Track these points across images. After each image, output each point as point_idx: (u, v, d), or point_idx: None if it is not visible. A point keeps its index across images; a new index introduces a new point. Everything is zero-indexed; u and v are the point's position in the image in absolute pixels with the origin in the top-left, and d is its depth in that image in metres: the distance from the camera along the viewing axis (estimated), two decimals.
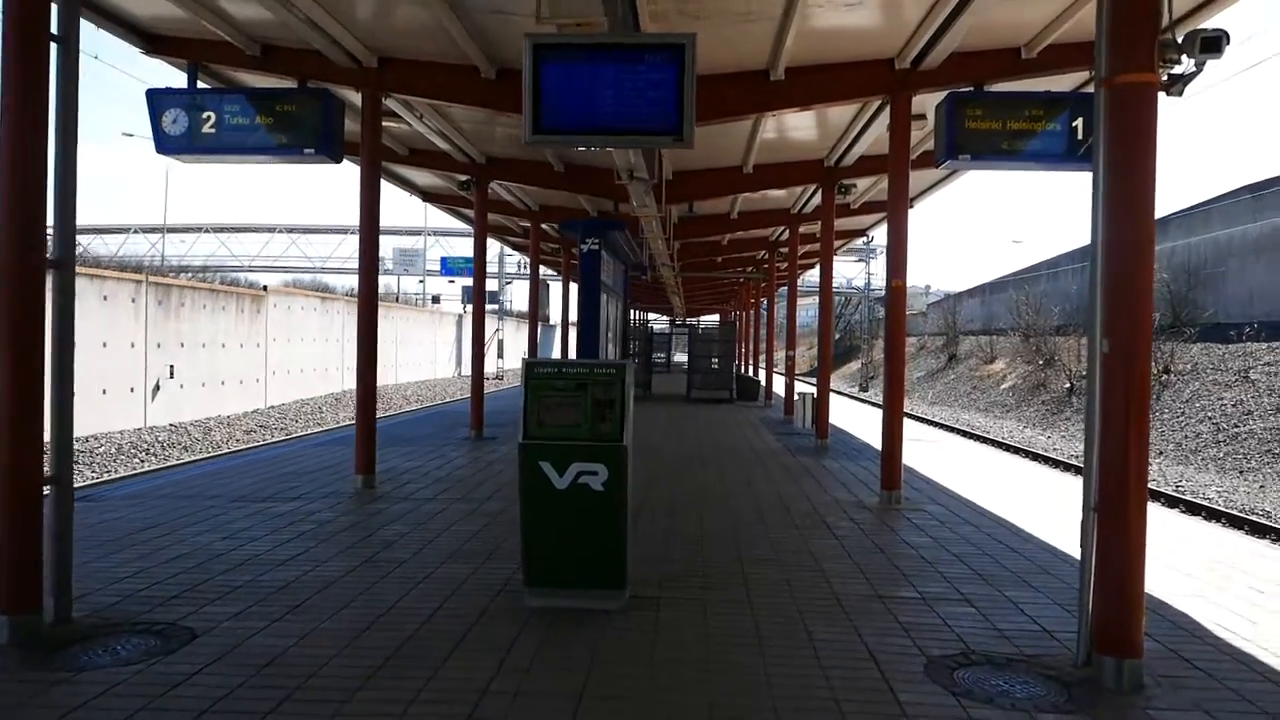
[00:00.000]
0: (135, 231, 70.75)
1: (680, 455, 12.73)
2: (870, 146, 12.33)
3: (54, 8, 4.67)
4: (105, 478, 15.26)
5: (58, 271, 4.72)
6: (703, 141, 12.78)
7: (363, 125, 9.44)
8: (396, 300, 64.43)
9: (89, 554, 6.13)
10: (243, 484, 9.57)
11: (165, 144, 8.98)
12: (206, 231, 71.31)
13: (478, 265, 14.65)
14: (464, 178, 14.04)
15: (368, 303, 9.70)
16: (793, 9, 7.10)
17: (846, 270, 65.40)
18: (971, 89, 8.64)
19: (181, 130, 9.00)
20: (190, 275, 29.21)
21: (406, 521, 7.64)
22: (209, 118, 8.98)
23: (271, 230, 69.38)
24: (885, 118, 10.35)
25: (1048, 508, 9.13)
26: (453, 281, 69.66)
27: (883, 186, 15.81)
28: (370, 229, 9.57)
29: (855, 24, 7.95)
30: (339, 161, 9.17)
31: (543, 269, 25.60)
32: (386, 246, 69.97)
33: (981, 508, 8.86)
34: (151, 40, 9.03)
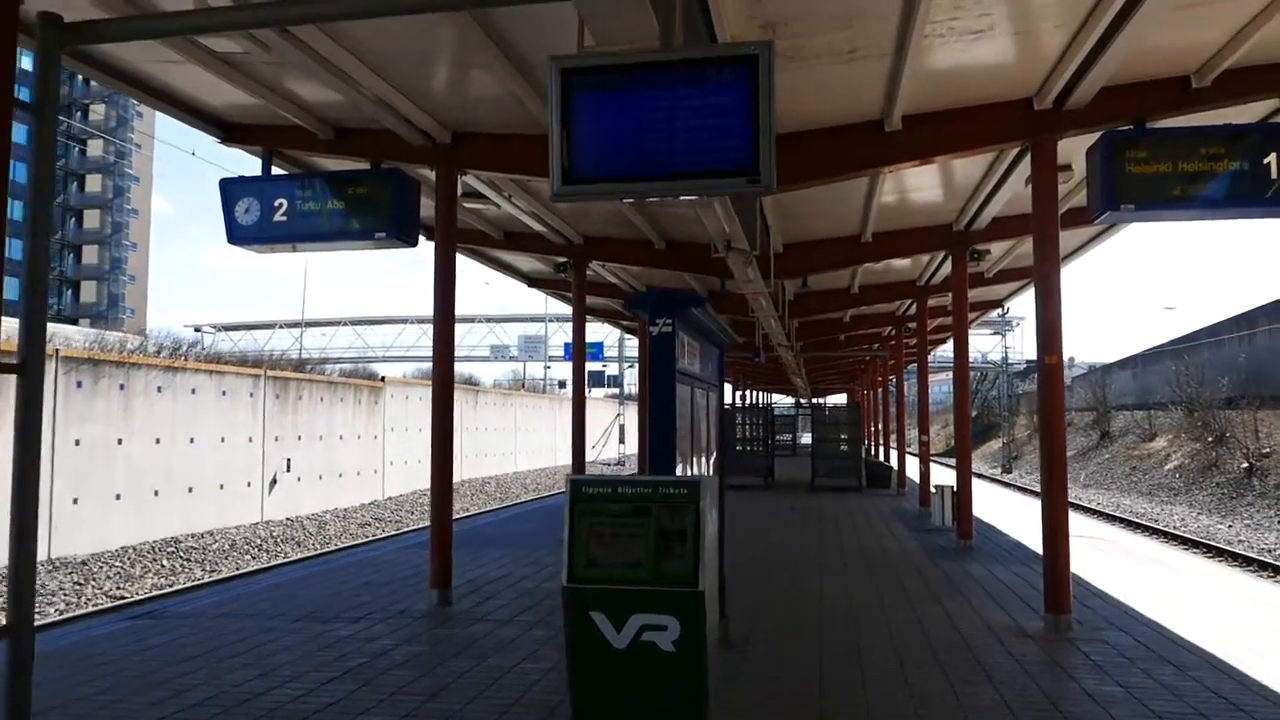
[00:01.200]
0: (280, 327, 74.55)
1: (799, 560, 11.26)
2: (1005, 206, 10.92)
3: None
4: (187, 584, 14.91)
5: (21, 378, 3.96)
6: (813, 208, 11.75)
7: (437, 204, 8.80)
8: (522, 386, 65.11)
9: (110, 694, 5.32)
10: (314, 596, 8.77)
11: (238, 234, 8.59)
12: (344, 325, 74.47)
13: (576, 351, 13.85)
14: (561, 260, 13.36)
15: (442, 389, 8.91)
16: (906, 43, 5.98)
17: (980, 344, 62.01)
18: (1130, 127, 7.26)
19: (254, 219, 8.62)
20: (311, 368, 29.71)
21: (473, 654, 6.56)
22: (280, 205, 8.58)
23: (404, 322, 71.85)
24: (1023, 169, 9.02)
25: (1264, 635, 7.26)
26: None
27: (1021, 251, 14.23)
28: (445, 312, 8.85)
29: (982, 59, 6.74)
30: (413, 244, 8.58)
31: None
32: (512, 333, 71.49)
33: (1177, 637, 7.08)
34: (227, 129, 8.73)
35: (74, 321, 66.79)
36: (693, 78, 3.22)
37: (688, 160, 3.24)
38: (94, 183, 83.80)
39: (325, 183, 8.38)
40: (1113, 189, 7.10)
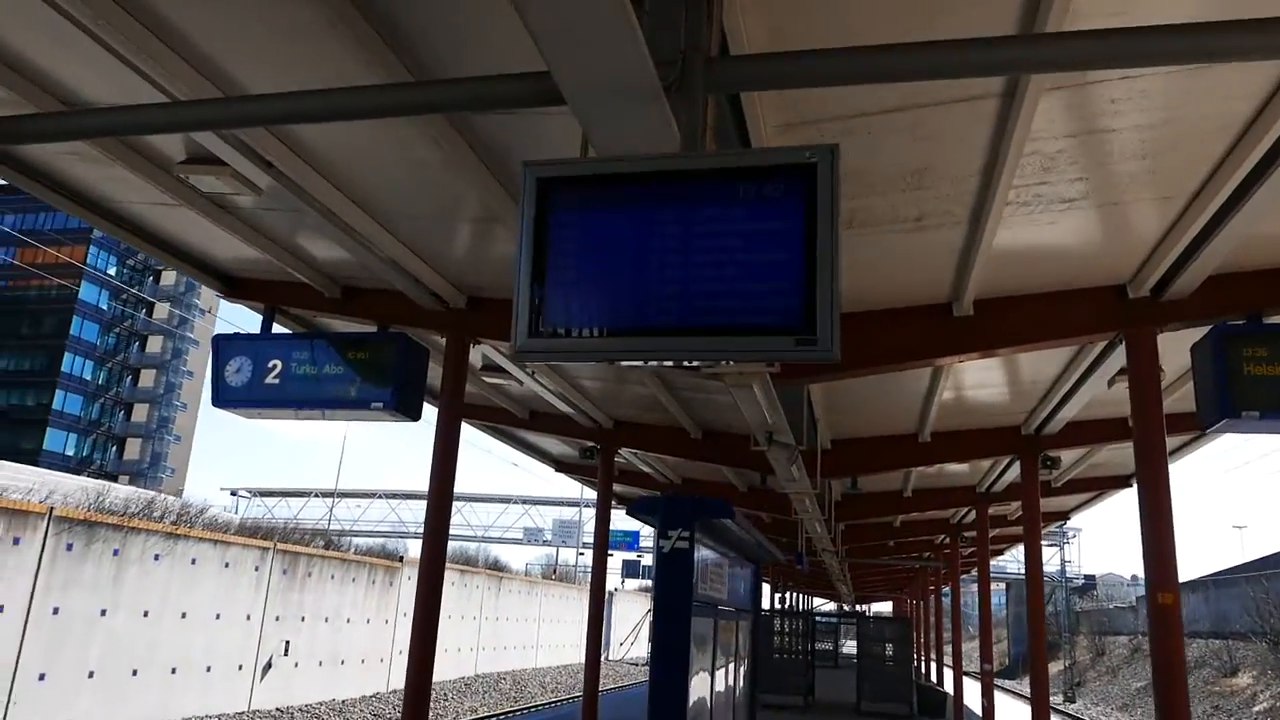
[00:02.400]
0: (315, 496, 74.00)
1: None
2: (1083, 410, 9.77)
3: None
4: None
5: None
6: (866, 402, 10.68)
7: (444, 371, 7.94)
8: (554, 572, 62.75)
9: None
10: None
11: (224, 395, 7.80)
12: (380, 497, 73.73)
13: (597, 545, 12.58)
14: (588, 444, 12.36)
15: (431, 573, 7.75)
16: (985, 209, 5.10)
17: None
18: (1243, 321, 6.23)
19: (244, 380, 7.84)
20: (332, 541, 28.49)
21: None
22: (275, 366, 7.81)
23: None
24: (1106, 368, 7.95)
25: None
26: (610, 555, 67.77)
27: (1095, 460, 12.94)
28: (442, 490, 7.80)
29: (1070, 236, 5.83)
30: (415, 417, 7.67)
31: None
32: (547, 516, 69.95)
33: None
34: (231, 283, 8.10)
35: (114, 478, 67.02)
36: (723, 193, 2.25)
37: (712, 310, 2.23)
38: (154, 344, 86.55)
39: (326, 344, 7.66)
40: (1229, 393, 6.00)
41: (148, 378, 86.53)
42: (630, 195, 2.31)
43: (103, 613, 16.03)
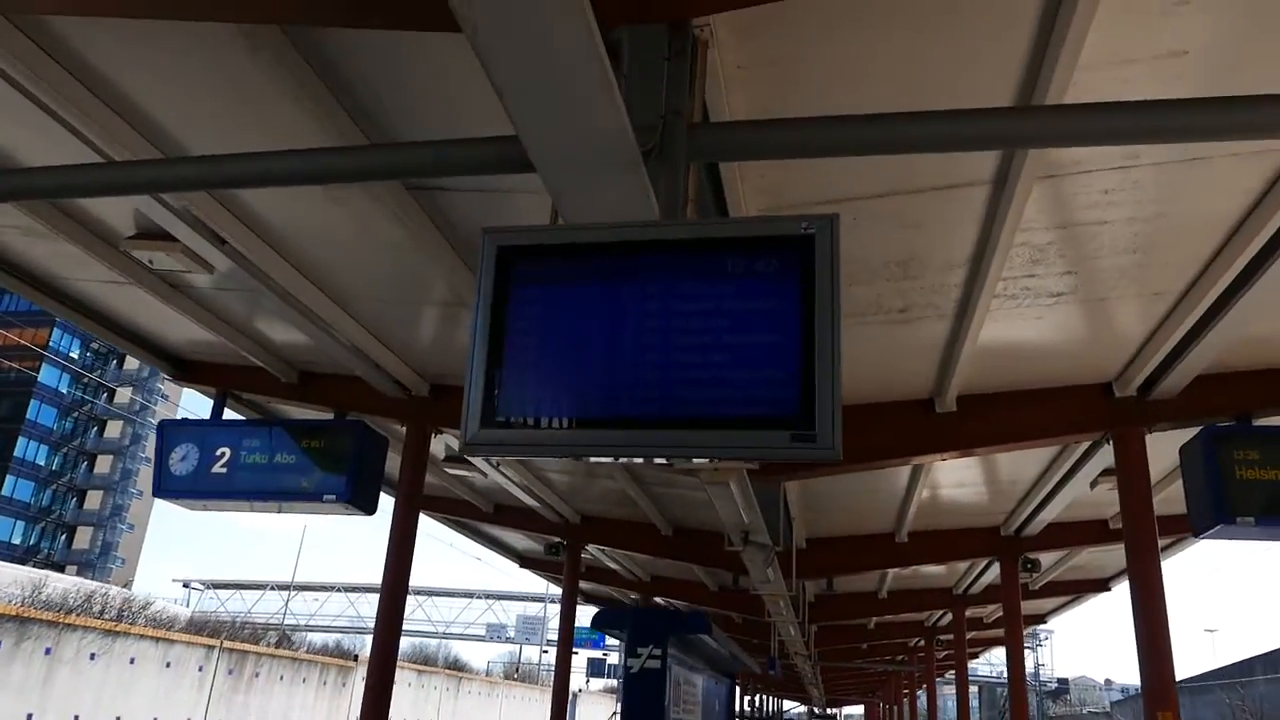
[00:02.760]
0: (271, 589, 71.50)
1: None
2: (1064, 511, 9.52)
3: None
4: None
5: None
6: (842, 500, 10.37)
7: (404, 462, 7.55)
8: (516, 672, 60.51)
9: None
10: None
11: (167, 484, 7.37)
12: (338, 590, 71.36)
13: (561, 643, 11.95)
14: (554, 540, 11.87)
15: (380, 674, 7.18)
16: (973, 302, 4.92)
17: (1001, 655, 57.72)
18: (1232, 423, 6.07)
19: (189, 468, 7.42)
20: (283, 638, 27.22)
21: None
22: (223, 454, 7.41)
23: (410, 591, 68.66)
24: (1090, 469, 7.74)
25: None
26: (576, 653, 65.61)
27: (1074, 563, 12.64)
28: (396, 585, 7.33)
29: (1055, 332, 5.65)
30: (369, 511, 7.28)
31: None
32: (511, 612, 67.79)
33: None
34: (182, 366, 7.72)
35: (61, 568, 64.44)
36: (709, 267, 1.99)
37: (694, 400, 1.93)
38: (114, 429, 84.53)
39: (280, 432, 7.29)
40: (1223, 497, 5.79)
41: (104, 464, 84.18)
42: (603, 268, 2.04)
43: (28, 718, 14.93)
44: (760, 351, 1.90)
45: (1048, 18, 3.05)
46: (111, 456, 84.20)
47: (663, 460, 2.00)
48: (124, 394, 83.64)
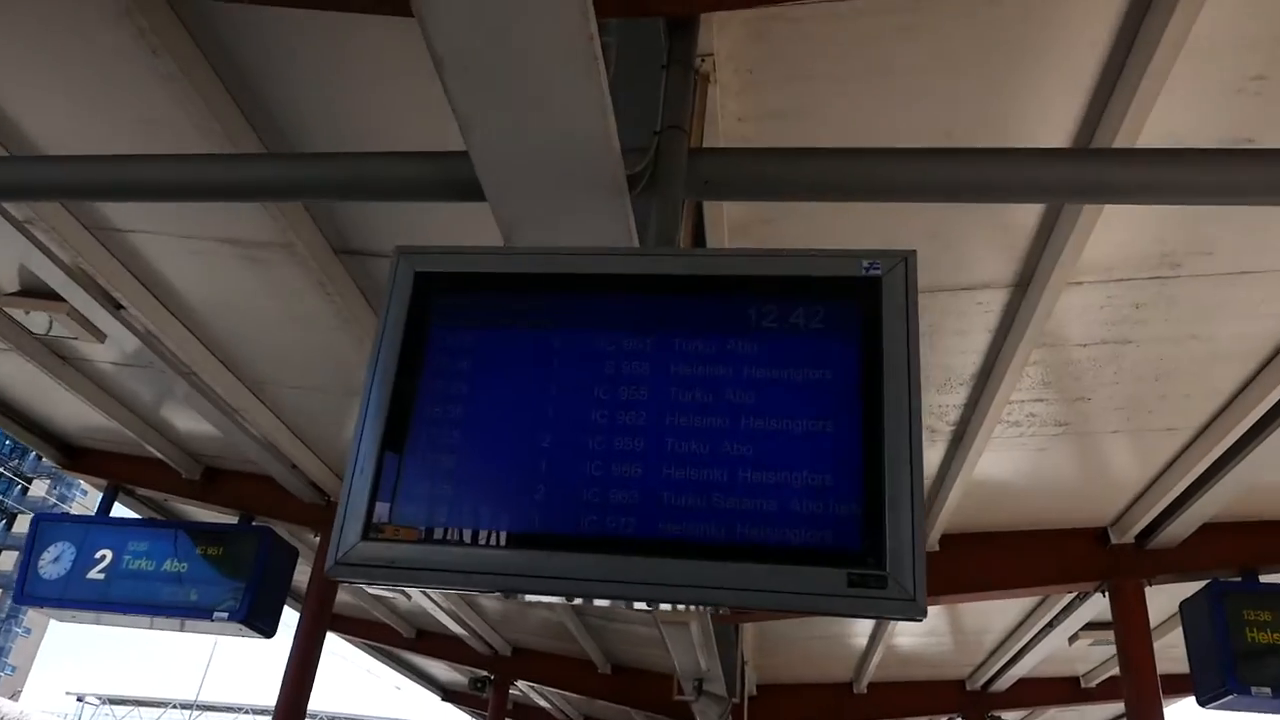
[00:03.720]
0: (174, 707, 66.67)
1: None
2: (1037, 666, 8.81)
3: None
4: None
5: None
6: (800, 644, 9.57)
7: (313, 576, 6.65)
8: None
9: None
10: None
11: (32, 589, 6.48)
12: (245, 712, 66.75)
13: None
14: (480, 673, 10.76)
15: None
16: (968, 437, 4.38)
17: None
18: (1239, 579, 5.55)
19: (60, 572, 6.49)
20: None
21: None
22: (103, 557, 6.53)
23: (314, 717, 64.61)
24: (1073, 621, 7.09)
25: None
26: None
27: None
28: (293, 709, 6.26)
29: (1055, 472, 5.11)
30: (268, 633, 6.40)
31: None
32: None
33: None
34: (71, 453, 6.82)
35: None
36: (725, 318, 1.37)
37: (696, 513, 1.25)
38: (23, 523, 79.88)
39: (173, 535, 6.46)
40: (1234, 664, 5.19)
41: (7, 560, 79.12)
42: (568, 310, 1.39)
43: None
44: (799, 444, 1.25)
45: (1106, 83, 2.58)
46: (16, 553, 79.25)
47: (641, 606, 1.30)
48: (41, 486, 79.47)
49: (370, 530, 1.27)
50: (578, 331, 1.37)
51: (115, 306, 4.43)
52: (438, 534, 1.27)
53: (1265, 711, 5.36)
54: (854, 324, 1.31)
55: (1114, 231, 3.19)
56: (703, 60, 2.36)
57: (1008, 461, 4.94)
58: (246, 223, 3.54)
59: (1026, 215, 3.18)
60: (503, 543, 1.25)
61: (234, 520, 6.61)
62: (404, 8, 1.51)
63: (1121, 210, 3.08)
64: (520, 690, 12.01)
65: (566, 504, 1.26)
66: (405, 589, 7.23)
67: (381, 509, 1.29)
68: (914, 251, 1.34)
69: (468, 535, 1.26)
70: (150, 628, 6.63)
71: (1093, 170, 1.99)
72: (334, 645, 10.68)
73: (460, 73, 1.54)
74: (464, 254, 1.47)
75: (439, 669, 12.84)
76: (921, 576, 1.14)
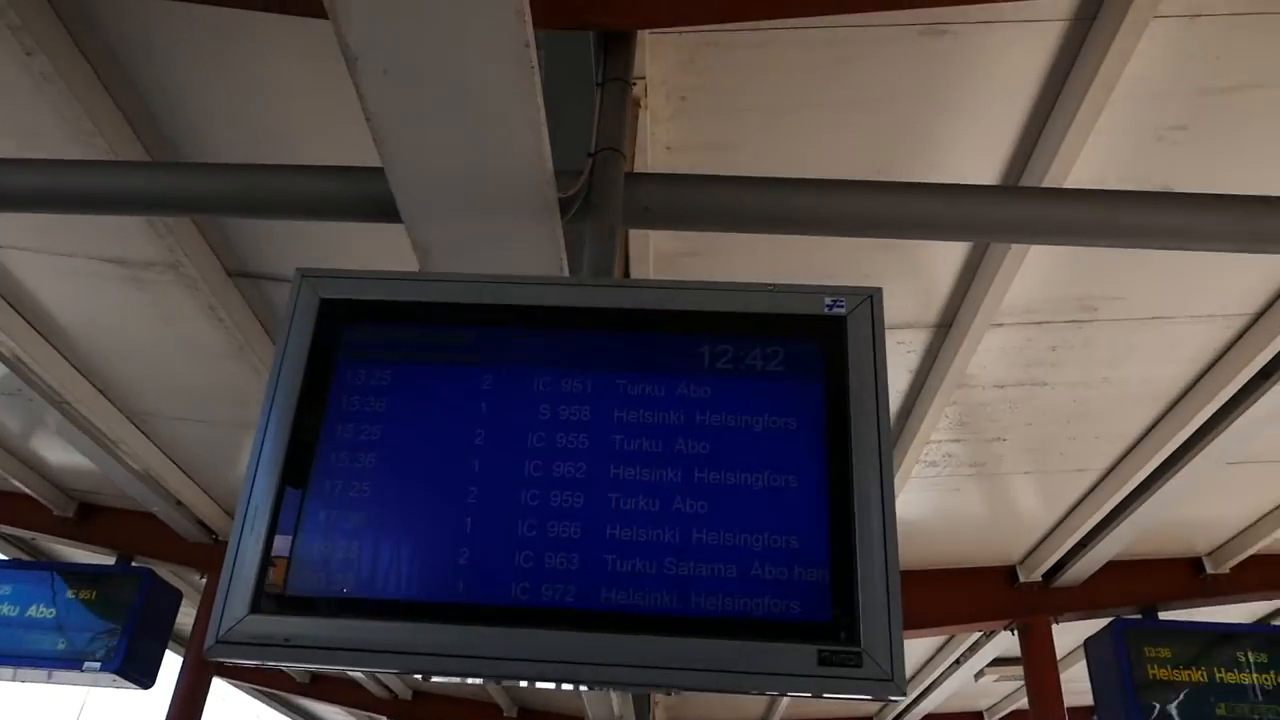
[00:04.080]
0: None
1: None
2: (944, 702, 8.87)
3: None
4: None
5: None
6: None
7: (198, 619, 6.20)
8: None
9: None
10: None
11: None
12: None
13: None
14: (379, 719, 10.27)
15: None
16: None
17: None
18: (1139, 615, 5.70)
19: None
20: None
21: None
22: None
23: None
24: (978, 659, 7.15)
25: None
26: None
27: None
28: None
29: (967, 512, 5.15)
30: (146, 685, 5.95)
31: None
32: None
33: None
34: None
35: None
36: (673, 356, 1.21)
37: (641, 582, 1.09)
38: None
39: (42, 577, 5.97)
40: (1139, 703, 5.30)
41: None
42: (498, 346, 1.23)
43: None
44: (760, 501, 1.12)
45: (1036, 123, 2.58)
46: None
47: (579, 686, 1.13)
48: None
49: (261, 600, 1.07)
50: (508, 370, 1.21)
51: None
52: (342, 605, 1.09)
53: None
54: (817, 366, 1.19)
55: (1035, 274, 3.20)
56: (634, 84, 2.24)
57: (925, 501, 4.94)
58: (129, 241, 3.25)
59: (951, 255, 3.17)
60: (421, 615, 1.08)
61: (111, 561, 6.12)
62: (308, 7, 1.34)
63: (1043, 253, 3.09)
64: None
65: (495, 570, 1.10)
66: (302, 669, 6.81)
67: (275, 575, 1.09)
68: (880, 289, 1.23)
69: (379, 607, 1.08)
70: (13, 679, 6.07)
71: (1023, 208, 1.95)
72: (220, 689, 10.03)
73: (376, 74, 1.37)
74: (377, 280, 1.30)
75: (335, 714, 12.21)
76: (900, 651, 1.02)
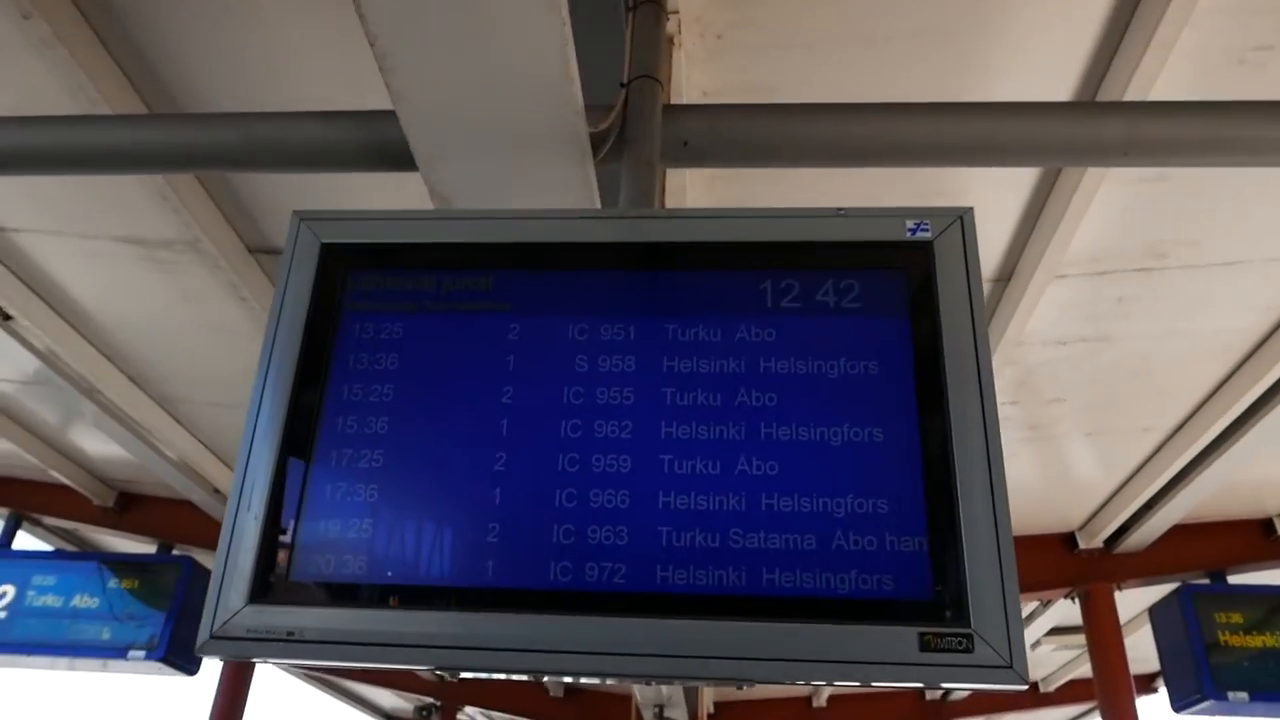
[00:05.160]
0: None
1: None
2: None
3: None
4: None
5: None
6: None
7: None
8: None
9: None
10: None
11: None
12: None
13: None
14: (426, 700, 10.28)
15: None
16: None
17: None
18: (1207, 580, 5.46)
19: None
20: None
21: None
22: (4, 594, 5.98)
23: None
24: (1035, 628, 6.95)
25: None
26: None
27: None
28: None
29: (1018, 482, 4.91)
30: (192, 671, 5.92)
31: None
32: None
33: None
34: None
35: None
36: (730, 295, 1.02)
37: (702, 559, 0.91)
38: None
39: (85, 567, 6.02)
40: (1211, 670, 5.06)
41: None
42: (528, 291, 1.06)
43: None
44: (840, 459, 0.94)
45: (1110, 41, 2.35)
46: None
47: (630, 681, 0.97)
48: None
49: (261, 589, 0.93)
50: (538, 318, 1.05)
51: (3, 317, 3.97)
52: (353, 593, 0.94)
53: (1233, 714, 5.24)
54: (900, 300, 1.01)
55: (1102, 219, 2.97)
56: (668, 18, 2.05)
57: None
58: (144, 218, 3.13)
59: (1011, 202, 2.95)
60: (444, 603, 0.92)
61: (152, 549, 6.13)
62: None
63: (1112, 196, 2.86)
64: (469, 716, 11.56)
65: (530, 548, 0.94)
66: (309, 665, 6.77)
67: (278, 559, 0.95)
68: (971, 209, 1.05)
69: (395, 594, 0.93)
70: (69, 669, 6.12)
71: (1116, 124, 1.71)
72: (267, 674, 10.14)
73: (392, 32, 1.20)
74: (385, 220, 1.14)
75: (383, 696, 12.28)
76: (1019, 631, 0.84)
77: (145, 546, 6.18)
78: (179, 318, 3.90)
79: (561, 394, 1.01)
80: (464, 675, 0.94)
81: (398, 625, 0.92)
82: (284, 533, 0.96)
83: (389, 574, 0.95)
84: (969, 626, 0.85)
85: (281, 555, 0.95)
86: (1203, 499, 4.89)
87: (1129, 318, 3.52)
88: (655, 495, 0.95)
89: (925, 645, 0.85)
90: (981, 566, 0.88)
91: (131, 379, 4.47)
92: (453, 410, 1.01)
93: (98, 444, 5.45)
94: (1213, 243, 3.17)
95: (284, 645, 0.91)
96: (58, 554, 6.47)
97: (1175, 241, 3.17)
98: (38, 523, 6.53)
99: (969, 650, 0.84)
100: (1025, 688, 0.86)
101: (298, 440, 1.00)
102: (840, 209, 1.07)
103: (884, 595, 0.89)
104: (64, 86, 2.39)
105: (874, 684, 0.89)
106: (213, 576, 0.94)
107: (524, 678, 0.95)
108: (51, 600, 5.81)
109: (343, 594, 0.94)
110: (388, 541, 0.96)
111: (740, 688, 0.90)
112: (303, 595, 0.94)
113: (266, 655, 0.91)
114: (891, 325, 1.00)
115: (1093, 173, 2.61)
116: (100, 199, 3.14)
